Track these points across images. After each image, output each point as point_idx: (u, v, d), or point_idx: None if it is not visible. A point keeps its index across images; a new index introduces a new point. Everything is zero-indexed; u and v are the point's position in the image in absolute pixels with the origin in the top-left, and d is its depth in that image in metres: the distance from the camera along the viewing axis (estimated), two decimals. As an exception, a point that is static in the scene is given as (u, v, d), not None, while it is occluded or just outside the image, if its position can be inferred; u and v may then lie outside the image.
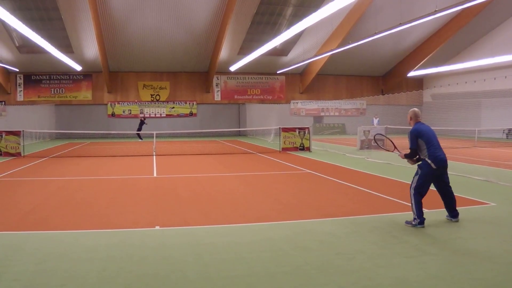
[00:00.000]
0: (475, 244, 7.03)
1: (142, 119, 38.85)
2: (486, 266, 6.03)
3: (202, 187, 12.87)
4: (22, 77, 40.87)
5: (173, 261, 6.30)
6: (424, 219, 8.10)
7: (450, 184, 8.47)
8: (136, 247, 6.96)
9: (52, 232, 7.87)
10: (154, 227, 8.18)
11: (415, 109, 8.76)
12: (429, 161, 8.14)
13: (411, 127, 8.56)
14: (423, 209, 8.14)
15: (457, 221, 8.43)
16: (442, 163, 8.18)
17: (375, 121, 38.81)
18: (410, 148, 8.38)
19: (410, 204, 8.28)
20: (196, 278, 5.67)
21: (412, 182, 8.35)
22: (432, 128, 8.44)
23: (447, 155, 8.31)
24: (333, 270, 5.90)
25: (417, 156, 8.39)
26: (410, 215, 8.81)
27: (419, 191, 8.15)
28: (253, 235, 7.68)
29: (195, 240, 7.31)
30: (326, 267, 6.04)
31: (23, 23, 22.20)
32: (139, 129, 36.93)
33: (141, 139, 37.34)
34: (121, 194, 11.76)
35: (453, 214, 8.51)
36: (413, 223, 8.12)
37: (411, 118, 8.64)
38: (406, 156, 8.53)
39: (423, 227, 8.04)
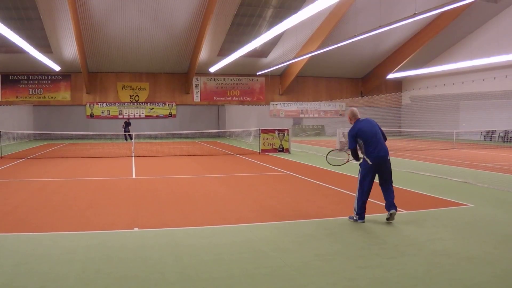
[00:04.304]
0: (454, 245, 7.09)
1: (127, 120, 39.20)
2: (464, 266, 6.09)
3: (182, 188, 12.84)
4: (-1, 77, 40.47)
5: (152, 262, 6.27)
6: (364, 214, 8.51)
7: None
8: (115, 248, 6.92)
9: (30, 234, 7.78)
10: (133, 229, 8.14)
11: (352, 108, 9.05)
12: (366, 158, 8.52)
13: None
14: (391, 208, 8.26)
15: (393, 213, 8.40)
16: (377, 159, 8.47)
17: None
18: (349, 149, 8.81)
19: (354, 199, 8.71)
20: (176, 279, 5.65)
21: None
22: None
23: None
24: (312, 271, 5.91)
25: (361, 156, 8.74)
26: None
27: (361, 187, 8.53)
28: (232, 236, 7.67)
29: (175, 242, 7.29)
30: (306, 268, 6.05)
31: (1, 22, 21.94)
32: (127, 130, 37.13)
33: (126, 140, 37.33)
34: (100, 195, 11.67)
35: (391, 207, 8.43)
36: (354, 218, 8.56)
37: (350, 119, 8.92)
38: (353, 156, 8.86)
39: (363, 222, 8.47)
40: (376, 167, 8.47)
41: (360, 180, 8.55)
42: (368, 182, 8.52)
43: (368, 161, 8.44)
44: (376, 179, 8.66)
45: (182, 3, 31.89)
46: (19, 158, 21.84)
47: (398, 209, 8.75)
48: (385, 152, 8.52)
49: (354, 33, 25.53)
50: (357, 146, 8.66)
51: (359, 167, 8.74)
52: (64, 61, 38.58)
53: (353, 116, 8.86)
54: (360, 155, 8.70)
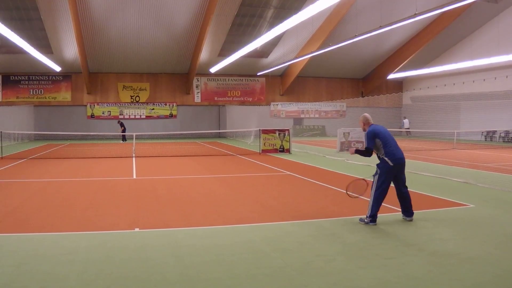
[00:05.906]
0: (455, 245, 7.10)
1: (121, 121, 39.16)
2: (465, 267, 6.09)
3: (182, 188, 12.84)
4: (0, 78, 40.35)
5: (153, 263, 6.27)
6: (376, 217, 8.41)
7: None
8: (116, 249, 6.92)
9: (31, 234, 7.79)
10: (134, 229, 8.14)
11: (365, 114, 9.20)
12: (386, 159, 8.46)
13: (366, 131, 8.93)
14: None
15: (411, 220, 8.70)
16: (398, 160, 8.49)
17: (406, 122, 38.97)
18: (366, 147, 8.72)
19: (369, 202, 8.54)
20: (176, 280, 5.65)
21: (373, 183, 8.59)
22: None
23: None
24: (313, 272, 5.91)
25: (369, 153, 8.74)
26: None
27: (380, 189, 8.44)
28: (233, 237, 7.67)
29: (175, 242, 7.29)
30: (307, 268, 6.05)
31: (2, 23, 21.94)
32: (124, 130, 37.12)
33: (125, 140, 37.24)
34: (101, 196, 11.67)
35: (408, 213, 8.78)
36: (366, 220, 8.43)
37: (364, 124, 9.01)
38: (358, 152, 9.02)
39: (375, 224, 8.36)
40: (396, 169, 8.48)
41: (380, 184, 8.43)
42: (388, 185, 8.50)
43: (389, 162, 8.41)
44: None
45: (182, 4, 31.89)
46: (20, 158, 21.84)
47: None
48: (403, 155, 8.63)
49: (354, 33, 25.52)
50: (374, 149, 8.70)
51: (376, 171, 8.65)
52: (65, 62, 38.59)
53: (366, 121, 8.99)
54: (377, 157, 8.75)
